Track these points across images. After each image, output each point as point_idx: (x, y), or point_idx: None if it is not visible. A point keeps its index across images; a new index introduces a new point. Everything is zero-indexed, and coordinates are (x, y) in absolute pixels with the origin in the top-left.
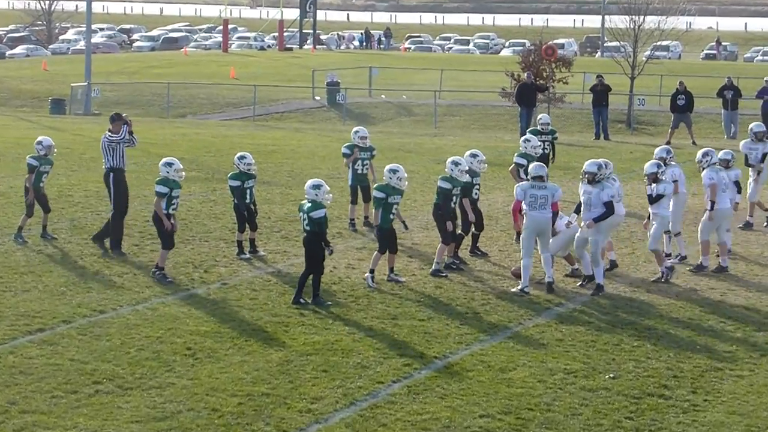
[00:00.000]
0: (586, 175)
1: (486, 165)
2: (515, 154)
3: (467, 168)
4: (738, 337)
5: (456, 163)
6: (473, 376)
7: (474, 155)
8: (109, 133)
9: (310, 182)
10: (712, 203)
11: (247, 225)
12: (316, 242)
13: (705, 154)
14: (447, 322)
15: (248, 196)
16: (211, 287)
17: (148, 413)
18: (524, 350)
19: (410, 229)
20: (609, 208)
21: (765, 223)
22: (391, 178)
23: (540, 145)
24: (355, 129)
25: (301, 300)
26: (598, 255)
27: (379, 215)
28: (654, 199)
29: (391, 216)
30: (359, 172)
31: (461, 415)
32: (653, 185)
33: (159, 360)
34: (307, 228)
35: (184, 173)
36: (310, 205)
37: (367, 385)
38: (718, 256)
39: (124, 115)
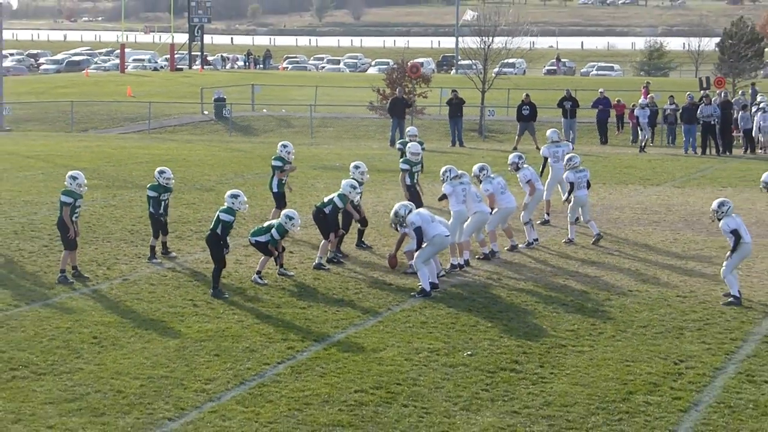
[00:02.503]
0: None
1: (368, 176)
2: (401, 160)
3: (359, 191)
4: (579, 317)
5: (354, 187)
6: (348, 356)
7: (357, 167)
8: None
9: (229, 192)
10: (492, 209)
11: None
12: (215, 241)
13: (481, 169)
14: (325, 309)
15: (162, 208)
16: (114, 282)
17: (60, 395)
18: (393, 332)
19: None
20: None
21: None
22: (233, 203)
23: (420, 153)
24: (282, 143)
25: (219, 292)
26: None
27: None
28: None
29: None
30: (283, 181)
31: (338, 391)
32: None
33: (69, 348)
34: (212, 227)
35: (86, 187)
36: (225, 207)
37: (255, 366)
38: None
39: None
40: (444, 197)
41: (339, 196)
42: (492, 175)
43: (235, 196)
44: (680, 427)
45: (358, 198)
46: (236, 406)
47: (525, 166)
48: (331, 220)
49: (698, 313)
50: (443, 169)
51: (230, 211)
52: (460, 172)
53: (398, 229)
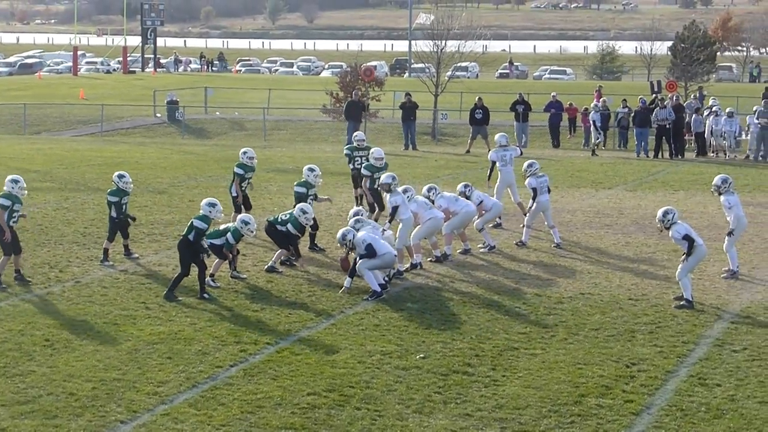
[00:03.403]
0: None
1: (321, 180)
2: (363, 166)
3: (310, 215)
4: (531, 320)
5: (304, 211)
6: (301, 359)
7: (311, 169)
8: None
9: (206, 200)
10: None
11: (119, 233)
12: (185, 246)
13: (429, 189)
14: (278, 312)
15: (123, 210)
16: (66, 285)
17: (12, 398)
18: (346, 335)
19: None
20: None
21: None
22: (210, 212)
23: (383, 158)
24: (244, 150)
25: (206, 295)
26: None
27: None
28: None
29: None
30: (243, 186)
31: (291, 394)
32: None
33: (21, 350)
34: (183, 233)
35: (26, 191)
36: (200, 215)
37: (208, 369)
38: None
39: None
40: (395, 211)
41: (292, 222)
42: (440, 192)
43: (212, 205)
44: (632, 430)
45: (310, 199)
46: (189, 408)
47: (474, 191)
48: (286, 238)
49: (650, 316)
50: (385, 176)
51: (205, 218)
52: (404, 186)
53: (346, 246)
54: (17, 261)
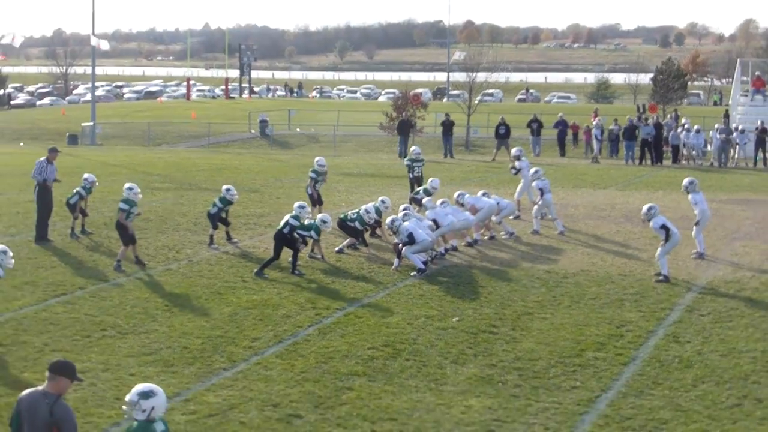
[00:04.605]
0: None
1: (390, 209)
2: (421, 189)
3: (373, 216)
4: (543, 291)
5: (368, 211)
6: (363, 320)
7: (383, 201)
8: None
9: (297, 203)
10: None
11: (220, 224)
12: (279, 238)
13: (459, 195)
14: (345, 284)
15: (225, 213)
16: (181, 263)
17: (139, 350)
18: (398, 302)
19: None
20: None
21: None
22: (300, 212)
23: (437, 187)
24: (317, 159)
25: (296, 272)
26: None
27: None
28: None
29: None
30: (316, 187)
31: (355, 348)
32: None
33: (146, 313)
34: (279, 227)
35: (140, 195)
36: (294, 214)
37: (291, 329)
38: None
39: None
40: (436, 222)
41: (359, 220)
42: (467, 195)
43: (302, 207)
44: (621, 377)
45: (373, 216)
46: (276, 359)
47: (490, 197)
48: (354, 231)
49: (635, 288)
50: (424, 201)
51: (296, 217)
52: (440, 200)
53: (391, 230)
54: (134, 249)
